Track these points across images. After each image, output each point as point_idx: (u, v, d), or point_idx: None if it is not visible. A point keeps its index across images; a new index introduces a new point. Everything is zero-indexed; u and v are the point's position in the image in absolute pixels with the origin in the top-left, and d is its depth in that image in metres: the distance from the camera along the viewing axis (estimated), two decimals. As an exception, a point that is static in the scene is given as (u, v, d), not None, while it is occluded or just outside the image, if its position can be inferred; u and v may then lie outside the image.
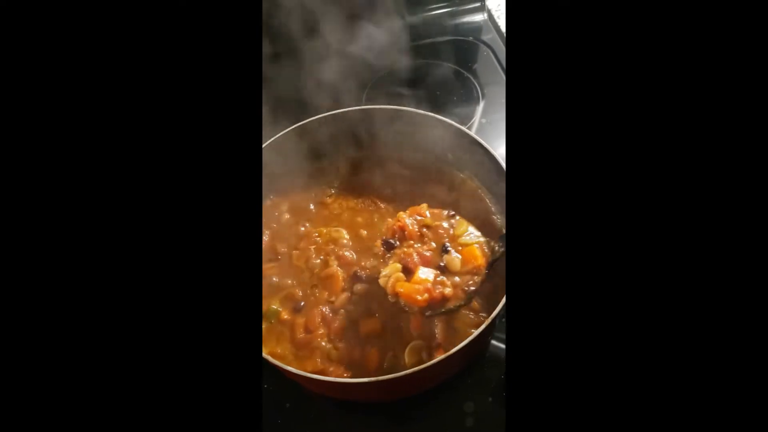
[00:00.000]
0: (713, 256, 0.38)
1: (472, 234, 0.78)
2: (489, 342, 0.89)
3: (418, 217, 0.80)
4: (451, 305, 0.73)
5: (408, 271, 0.75)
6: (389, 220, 0.82)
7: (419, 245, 0.77)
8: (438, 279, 0.74)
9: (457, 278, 0.74)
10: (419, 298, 0.71)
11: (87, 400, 0.39)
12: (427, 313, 0.73)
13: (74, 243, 0.40)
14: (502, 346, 0.88)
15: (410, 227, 0.79)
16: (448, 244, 0.76)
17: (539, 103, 0.41)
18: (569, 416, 0.39)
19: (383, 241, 0.79)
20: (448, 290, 0.73)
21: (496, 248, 0.76)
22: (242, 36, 0.43)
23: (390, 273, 0.74)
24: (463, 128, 0.88)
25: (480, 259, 0.75)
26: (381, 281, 0.75)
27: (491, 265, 0.75)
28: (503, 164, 0.82)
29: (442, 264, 0.76)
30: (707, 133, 0.38)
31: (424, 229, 0.80)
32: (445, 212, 0.81)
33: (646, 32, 0.39)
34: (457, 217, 0.80)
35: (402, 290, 0.72)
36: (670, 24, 0.39)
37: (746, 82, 0.37)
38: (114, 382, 0.39)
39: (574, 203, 0.40)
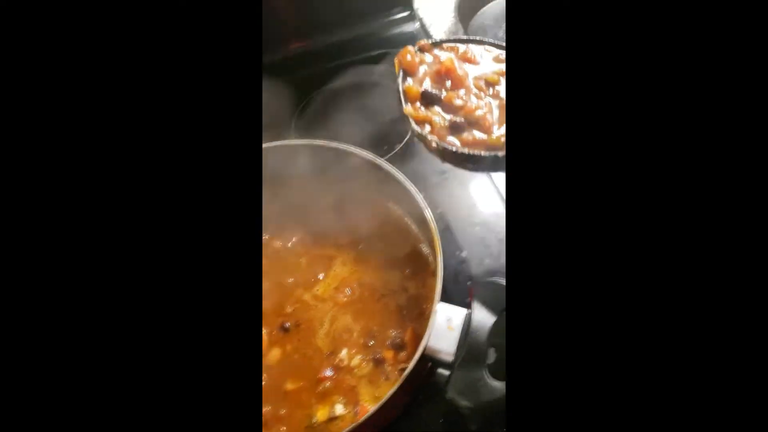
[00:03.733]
0: (712, 257, 0.36)
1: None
2: (434, 373, 0.84)
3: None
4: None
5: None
6: (405, 48, 0.64)
7: (468, 101, 0.58)
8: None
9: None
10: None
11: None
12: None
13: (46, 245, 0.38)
14: (446, 372, 0.84)
15: (459, 71, 0.59)
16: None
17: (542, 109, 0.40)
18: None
19: (423, 92, 0.59)
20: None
21: None
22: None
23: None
24: (377, 159, 0.84)
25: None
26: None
27: None
28: (415, 194, 0.78)
29: None
30: (707, 135, 0.37)
31: (482, 83, 0.60)
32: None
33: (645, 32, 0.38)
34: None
35: None
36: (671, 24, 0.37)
37: (746, 83, 0.36)
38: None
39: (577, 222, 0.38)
